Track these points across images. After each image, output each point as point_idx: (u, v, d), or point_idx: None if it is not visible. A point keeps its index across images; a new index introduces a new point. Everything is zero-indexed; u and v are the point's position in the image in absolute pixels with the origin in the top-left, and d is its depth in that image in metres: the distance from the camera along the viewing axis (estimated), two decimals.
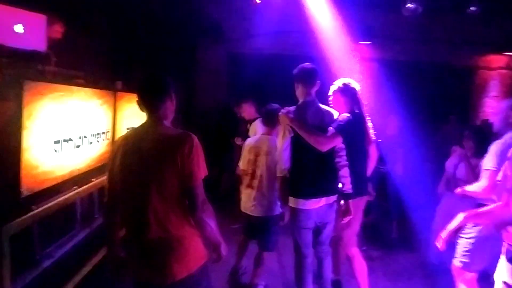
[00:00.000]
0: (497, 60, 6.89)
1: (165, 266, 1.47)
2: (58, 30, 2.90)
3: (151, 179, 1.45)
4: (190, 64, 6.13)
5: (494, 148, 2.12)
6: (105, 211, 1.66)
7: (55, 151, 2.10)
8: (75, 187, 2.33)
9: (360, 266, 2.72)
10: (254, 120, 4.13)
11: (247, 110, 4.24)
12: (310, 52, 5.89)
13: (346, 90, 2.57)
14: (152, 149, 1.46)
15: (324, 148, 2.29)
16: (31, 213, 1.81)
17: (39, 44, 2.30)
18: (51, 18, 2.50)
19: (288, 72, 2.55)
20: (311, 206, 2.39)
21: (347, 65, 6.53)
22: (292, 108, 2.43)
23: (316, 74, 2.44)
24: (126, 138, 1.59)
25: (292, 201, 2.43)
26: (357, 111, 2.57)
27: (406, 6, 5.07)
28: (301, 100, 2.46)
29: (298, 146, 2.36)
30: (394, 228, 4.43)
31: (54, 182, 2.11)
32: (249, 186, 2.84)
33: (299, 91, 2.47)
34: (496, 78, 7.01)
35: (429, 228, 3.56)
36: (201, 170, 1.48)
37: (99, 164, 2.75)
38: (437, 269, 3.41)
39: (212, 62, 6.35)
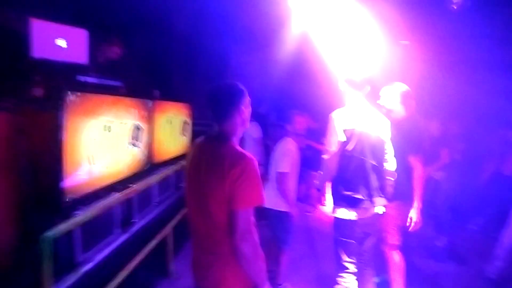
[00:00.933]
0: None
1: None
2: (115, 51, 3.08)
3: (203, 195, 1.43)
4: (224, 71, 6.21)
5: None
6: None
7: (95, 158, 2.18)
8: (114, 192, 2.42)
9: (397, 268, 2.64)
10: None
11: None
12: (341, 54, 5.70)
13: (406, 95, 2.53)
14: (208, 165, 1.42)
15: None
16: (73, 218, 1.89)
17: (80, 57, 2.42)
18: (92, 33, 2.63)
19: (323, 75, 2.51)
20: (358, 216, 2.26)
21: (385, 67, 6.24)
22: (341, 110, 2.31)
23: (365, 78, 2.33)
24: (194, 146, 1.59)
25: (337, 211, 2.31)
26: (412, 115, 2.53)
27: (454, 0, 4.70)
28: (351, 104, 2.34)
29: (349, 152, 2.23)
30: (439, 236, 4.10)
31: (94, 188, 2.20)
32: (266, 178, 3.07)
33: (349, 95, 2.35)
34: None
35: (489, 239, 3.26)
36: (250, 198, 1.38)
37: (137, 170, 2.84)
38: (495, 286, 3.08)
39: (245, 69, 6.38)
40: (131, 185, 2.63)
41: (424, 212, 4.37)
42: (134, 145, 2.76)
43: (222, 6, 5.53)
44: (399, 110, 2.55)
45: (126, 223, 2.62)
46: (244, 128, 1.53)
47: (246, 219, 1.37)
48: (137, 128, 2.79)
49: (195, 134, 4.43)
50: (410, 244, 3.85)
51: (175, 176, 3.74)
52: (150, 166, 3.12)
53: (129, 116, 2.62)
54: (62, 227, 1.78)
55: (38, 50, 2.15)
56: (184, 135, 4.05)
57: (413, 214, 2.52)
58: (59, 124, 1.85)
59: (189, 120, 4.20)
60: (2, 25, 2.11)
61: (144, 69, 3.80)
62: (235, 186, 1.35)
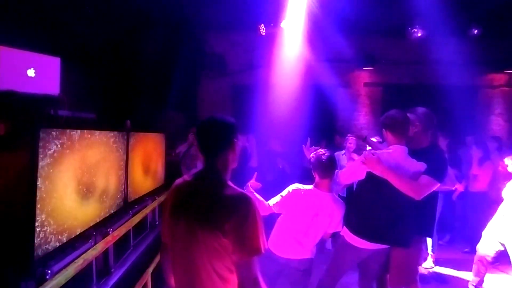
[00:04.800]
0: (498, 78, 6.95)
1: None
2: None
3: (195, 241, 1.26)
4: (194, 97, 6.07)
5: None
6: (161, 251, 1.52)
7: (69, 201, 1.90)
8: (91, 241, 2.11)
9: None
10: None
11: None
12: (317, 80, 5.91)
13: (430, 120, 2.42)
14: (202, 207, 1.27)
15: (420, 196, 2.12)
16: (46, 283, 1.57)
17: (52, 87, 2.16)
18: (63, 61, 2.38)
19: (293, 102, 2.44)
20: (365, 246, 2.25)
21: (351, 91, 6.57)
22: (382, 151, 2.26)
23: (408, 122, 2.29)
24: (180, 184, 1.40)
25: (347, 234, 2.31)
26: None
27: (411, 30, 5.15)
28: (390, 148, 2.28)
29: (376, 183, 2.19)
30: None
31: (69, 237, 1.90)
32: None
33: (390, 139, 2.30)
34: (499, 96, 7.04)
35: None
36: (258, 247, 1.24)
37: (113, 211, 2.54)
38: None
39: (215, 95, 6.31)
40: (109, 230, 2.33)
41: None
42: (109, 182, 2.48)
43: (192, 33, 5.49)
44: (424, 138, 2.42)
45: (104, 273, 2.29)
46: (234, 165, 1.42)
47: (254, 269, 1.24)
48: (112, 162, 2.53)
49: (168, 165, 4.18)
50: None
51: (151, 214, 3.43)
52: (124, 204, 2.82)
53: (102, 150, 2.36)
54: None
55: (4, 81, 1.87)
56: (156, 167, 3.78)
57: None
58: (30, 164, 1.58)
59: (162, 151, 3.95)
60: None
61: (115, 99, 3.54)
62: (237, 233, 1.21)
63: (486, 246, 3.27)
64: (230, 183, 1.34)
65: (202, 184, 1.34)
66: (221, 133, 1.34)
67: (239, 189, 1.31)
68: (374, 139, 2.98)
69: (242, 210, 1.22)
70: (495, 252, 3.25)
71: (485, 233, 3.33)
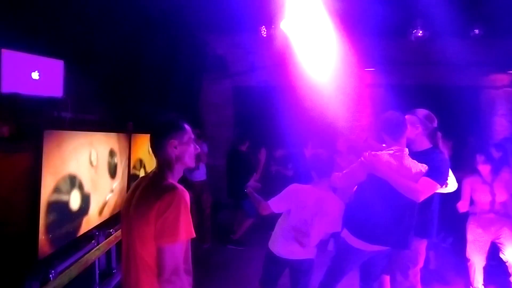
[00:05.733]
0: (501, 79, 6.91)
1: None
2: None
3: (131, 235, 1.36)
4: (196, 99, 6.10)
5: None
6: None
7: (73, 202, 1.92)
8: (94, 241, 2.13)
9: None
10: None
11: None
12: (319, 82, 5.91)
13: (431, 122, 2.37)
14: (137, 198, 1.39)
15: (421, 198, 2.11)
16: (49, 283, 1.60)
17: (55, 90, 2.19)
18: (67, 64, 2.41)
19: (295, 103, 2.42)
20: (366, 248, 2.24)
21: (353, 92, 6.56)
22: (382, 153, 2.23)
23: (404, 123, 2.24)
24: (135, 182, 1.53)
25: (348, 236, 2.29)
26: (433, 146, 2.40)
27: (413, 32, 5.14)
28: (391, 149, 2.24)
29: (376, 185, 2.18)
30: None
31: (72, 237, 1.92)
32: None
33: (388, 141, 2.28)
34: (502, 97, 7.01)
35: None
36: (178, 233, 1.26)
37: (116, 212, 2.56)
38: None
39: (217, 96, 6.33)
40: (112, 230, 2.35)
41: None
42: (112, 183, 2.51)
43: (193, 36, 5.52)
44: (422, 142, 2.36)
45: (106, 274, 2.31)
46: (185, 166, 1.45)
47: (173, 257, 1.27)
48: (115, 164, 2.55)
49: None
50: None
51: None
52: None
53: (106, 151, 2.39)
54: None
55: (8, 84, 1.90)
56: None
57: None
58: (36, 166, 1.60)
59: None
60: None
61: (118, 101, 3.57)
62: (159, 221, 1.27)
63: (474, 251, 3.26)
64: (170, 179, 1.38)
65: (145, 179, 1.45)
66: (154, 133, 1.42)
67: (172, 182, 1.36)
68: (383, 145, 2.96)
69: (165, 198, 1.28)
70: (485, 253, 3.23)
71: (469, 238, 3.33)
